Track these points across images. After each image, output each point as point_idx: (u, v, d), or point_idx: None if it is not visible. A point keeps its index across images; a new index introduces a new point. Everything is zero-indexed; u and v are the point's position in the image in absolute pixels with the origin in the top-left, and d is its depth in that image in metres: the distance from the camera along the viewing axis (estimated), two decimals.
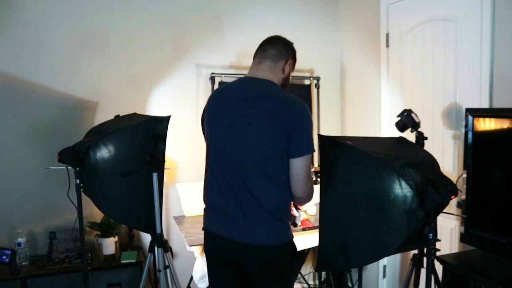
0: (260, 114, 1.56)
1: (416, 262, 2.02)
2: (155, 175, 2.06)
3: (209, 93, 2.94)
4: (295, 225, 1.80)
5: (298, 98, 1.63)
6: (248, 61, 1.81)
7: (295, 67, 1.80)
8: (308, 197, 1.67)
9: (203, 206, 1.76)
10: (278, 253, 1.61)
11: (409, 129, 2.07)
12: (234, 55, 3.11)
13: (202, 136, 1.81)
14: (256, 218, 1.57)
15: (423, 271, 1.82)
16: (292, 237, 1.67)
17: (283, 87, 1.72)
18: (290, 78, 1.79)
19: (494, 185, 1.90)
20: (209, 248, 1.76)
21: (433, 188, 1.40)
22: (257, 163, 1.57)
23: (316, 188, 1.66)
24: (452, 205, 2.19)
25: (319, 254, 1.64)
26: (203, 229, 1.76)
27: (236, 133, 1.60)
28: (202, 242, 1.80)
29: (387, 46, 2.90)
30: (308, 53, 3.28)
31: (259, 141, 1.56)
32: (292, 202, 1.70)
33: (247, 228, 1.58)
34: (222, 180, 1.63)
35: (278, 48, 1.71)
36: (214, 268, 1.75)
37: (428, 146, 1.99)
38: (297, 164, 1.57)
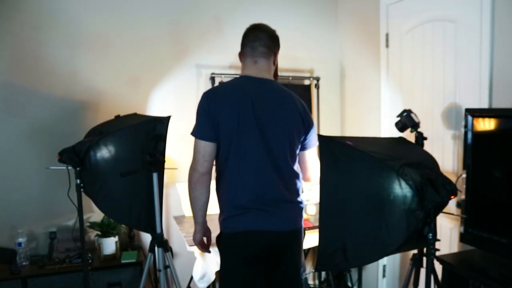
0: (287, 114, 1.77)
1: (416, 262, 2.02)
2: (155, 175, 2.07)
3: None
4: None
5: None
6: None
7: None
8: None
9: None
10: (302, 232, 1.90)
11: (409, 129, 2.07)
12: (234, 56, 3.05)
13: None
14: (292, 207, 1.80)
15: (422, 271, 1.82)
16: None
17: (275, 76, 1.90)
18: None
19: (494, 185, 1.90)
20: (242, 247, 1.75)
21: (432, 188, 1.40)
22: (289, 158, 1.77)
23: (316, 188, 1.67)
24: (452, 205, 2.19)
25: (319, 254, 1.64)
26: (236, 231, 1.75)
27: (271, 132, 1.73)
28: None
29: (387, 46, 2.90)
30: (308, 54, 3.29)
31: (291, 138, 1.78)
32: None
33: (288, 216, 1.78)
34: (258, 180, 1.73)
35: (266, 45, 1.80)
36: (239, 267, 1.76)
37: (427, 146, 1.99)
38: (313, 153, 1.93)
